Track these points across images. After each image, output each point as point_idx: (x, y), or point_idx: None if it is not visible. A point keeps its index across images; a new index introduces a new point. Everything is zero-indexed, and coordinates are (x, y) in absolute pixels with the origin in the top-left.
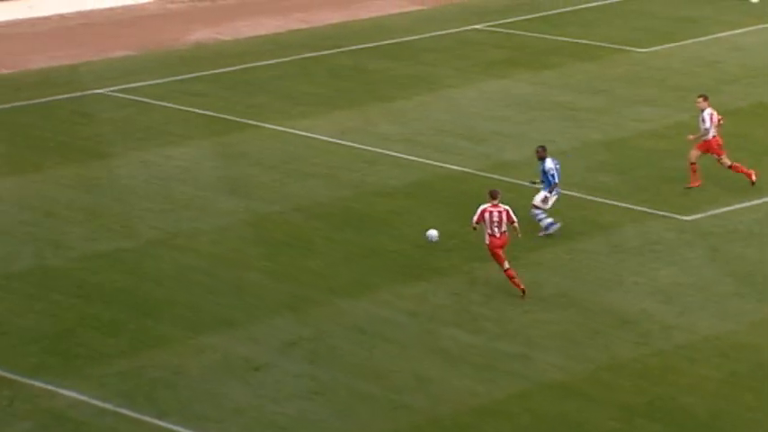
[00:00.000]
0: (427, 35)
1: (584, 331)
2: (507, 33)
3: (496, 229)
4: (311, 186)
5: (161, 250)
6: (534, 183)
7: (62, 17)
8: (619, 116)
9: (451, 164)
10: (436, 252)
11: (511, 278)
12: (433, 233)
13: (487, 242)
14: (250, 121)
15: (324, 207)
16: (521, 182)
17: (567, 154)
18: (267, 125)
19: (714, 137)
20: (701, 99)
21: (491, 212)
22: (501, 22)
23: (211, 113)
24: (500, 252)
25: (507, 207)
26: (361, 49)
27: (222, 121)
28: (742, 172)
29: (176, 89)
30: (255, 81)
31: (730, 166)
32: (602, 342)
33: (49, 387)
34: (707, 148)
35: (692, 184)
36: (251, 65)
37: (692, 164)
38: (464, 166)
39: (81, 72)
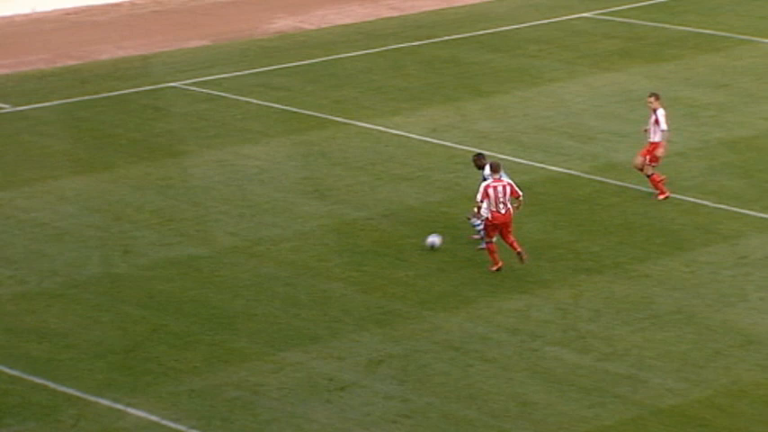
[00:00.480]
0: (529, 24)
1: (702, 352)
2: (620, 22)
3: (501, 206)
4: (401, 189)
5: (238, 258)
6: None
7: (133, 4)
8: (744, 113)
9: (556, 165)
10: (539, 263)
11: (514, 248)
12: (434, 240)
13: (490, 218)
14: (335, 118)
15: (415, 212)
16: (634, 186)
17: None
18: (354, 122)
19: (661, 142)
20: (652, 98)
21: (495, 188)
22: (613, 9)
23: (293, 109)
24: (505, 229)
25: (510, 180)
26: (458, 39)
27: (305, 117)
28: (657, 184)
29: (255, 82)
30: (342, 74)
31: (649, 176)
32: (723, 364)
33: (117, 406)
34: (651, 150)
35: (660, 196)
36: (337, 56)
37: (650, 176)
38: (570, 168)
39: (153, 63)
